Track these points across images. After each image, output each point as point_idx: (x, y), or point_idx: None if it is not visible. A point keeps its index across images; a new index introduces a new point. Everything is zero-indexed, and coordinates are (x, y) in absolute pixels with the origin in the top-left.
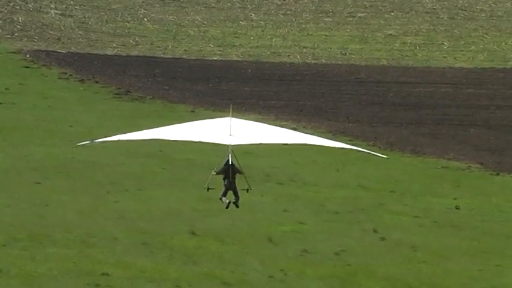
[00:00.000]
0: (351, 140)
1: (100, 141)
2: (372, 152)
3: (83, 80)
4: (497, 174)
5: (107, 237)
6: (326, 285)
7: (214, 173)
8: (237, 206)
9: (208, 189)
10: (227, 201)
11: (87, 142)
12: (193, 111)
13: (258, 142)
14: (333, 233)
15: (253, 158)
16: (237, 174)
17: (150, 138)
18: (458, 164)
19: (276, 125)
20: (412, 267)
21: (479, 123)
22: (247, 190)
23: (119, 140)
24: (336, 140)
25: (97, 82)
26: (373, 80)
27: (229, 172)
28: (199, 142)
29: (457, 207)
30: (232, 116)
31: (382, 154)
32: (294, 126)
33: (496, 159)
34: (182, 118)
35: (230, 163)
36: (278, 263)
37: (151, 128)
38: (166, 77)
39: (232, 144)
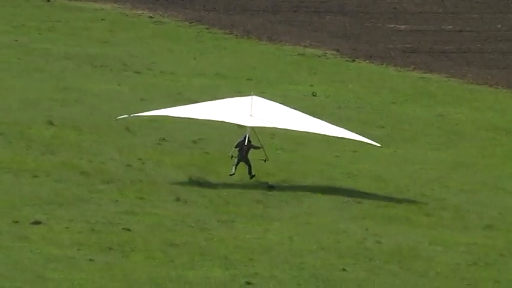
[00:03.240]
0: (207, 29)
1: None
2: (367, 141)
3: None
4: (353, 60)
5: None
6: (184, 173)
7: (235, 147)
8: (251, 175)
9: (232, 156)
10: (233, 171)
11: (124, 116)
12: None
13: (278, 126)
14: (191, 121)
15: (109, 46)
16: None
17: (176, 115)
18: (314, 51)
19: (132, 15)
20: (269, 154)
21: (335, 9)
22: (265, 160)
23: None
24: (192, 28)
25: None
26: None
27: (243, 149)
28: (222, 122)
29: (314, 94)
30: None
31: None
32: (151, 15)
33: (351, 46)
34: None
35: (246, 143)
36: (136, 152)
37: None
38: None
39: (251, 125)
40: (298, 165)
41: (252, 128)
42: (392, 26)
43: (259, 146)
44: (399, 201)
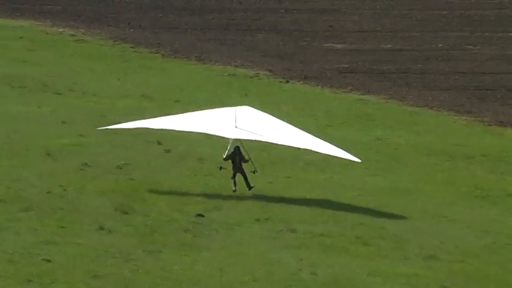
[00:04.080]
0: (132, 47)
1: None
2: (348, 157)
3: None
4: (287, 81)
5: None
6: (108, 201)
7: (224, 158)
8: (249, 187)
9: (221, 168)
10: (233, 188)
11: (105, 128)
12: None
13: (264, 139)
14: (115, 146)
15: (28, 66)
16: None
17: (158, 127)
18: (246, 71)
19: (52, 32)
20: (198, 180)
21: (268, 27)
22: (254, 172)
23: None
24: (116, 47)
25: None
26: None
27: (236, 160)
28: (206, 134)
29: None
30: None
31: (355, 159)
32: (72, 32)
33: (285, 66)
34: None
35: (233, 150)
36: (57, 178)
37: None
38: None
39: (235, 138)
40: (229, 191)
41: (239, 140)
42: (328, 45)
43: (247, 158)
44: (336, 229)
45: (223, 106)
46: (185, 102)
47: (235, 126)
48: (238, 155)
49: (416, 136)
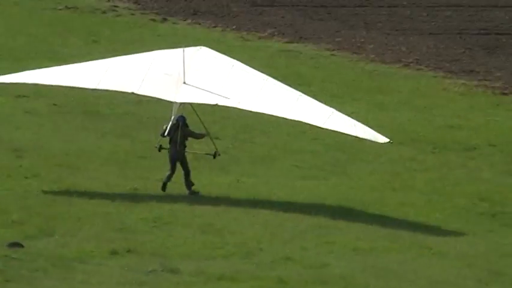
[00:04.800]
0: None
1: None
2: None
3: None
4: (164, 19)
5: None
6: None
7: (162, 135)
8: (190, 189)
9: (160, 148)
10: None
11: None
12: None
13: (220, 103)
14: None
15: None
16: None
17: (68, 85)
18: (95, 1)
19: None
20: (14, 185)
21: None
22: (214, 155)
23: None
24: None
25: None
26: None
27: (178, 134)
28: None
29: None
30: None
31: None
32: None
33: None
34: None
35: (175, 121)
36: None
37: None
38: None
39: (179, 102)
40: (67, 206)
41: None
42: None
43: (203, 132)
44: (246, 269)
45: (55, 60)
46: None
47: (184, 82)
48: (182, 128)
49: (382, 112)
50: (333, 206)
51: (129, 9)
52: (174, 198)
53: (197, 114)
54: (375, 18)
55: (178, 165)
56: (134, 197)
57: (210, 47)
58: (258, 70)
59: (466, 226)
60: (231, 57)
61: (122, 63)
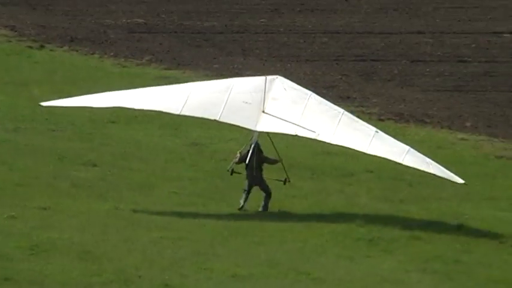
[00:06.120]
0: None
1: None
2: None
3: None
4: (41, 46)
5: None
6: None
7: (236, 160)
8: (265, 208)
9: (232, 172)
10: (241, 203)
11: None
12: None
13: (299, 133)
14: None
15: None
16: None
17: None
18: None
19: None
20: None
21: None
22: (285, 182)
23: None
24: None
25: None
26: None
27: (253, 160)
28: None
29: None
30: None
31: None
32: None
33: (37, 20)
34: None
35: (254, 145)
36: None
37: None
38: None
39: (259, 131)
40: None
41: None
42: None
43: (276, 158)
44: None
45: None
46: None
47: (263, 111)
48: (258, 155)
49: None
50: (212, 233)
51: (6, 36)
52: (52, 226)
53: (271, 141)
54: (252, 44)
55: None
56: (11, 225)
57: (88, 74)
58: None
59: (343, 251)
60: (110, 84)
61: (202, 89)
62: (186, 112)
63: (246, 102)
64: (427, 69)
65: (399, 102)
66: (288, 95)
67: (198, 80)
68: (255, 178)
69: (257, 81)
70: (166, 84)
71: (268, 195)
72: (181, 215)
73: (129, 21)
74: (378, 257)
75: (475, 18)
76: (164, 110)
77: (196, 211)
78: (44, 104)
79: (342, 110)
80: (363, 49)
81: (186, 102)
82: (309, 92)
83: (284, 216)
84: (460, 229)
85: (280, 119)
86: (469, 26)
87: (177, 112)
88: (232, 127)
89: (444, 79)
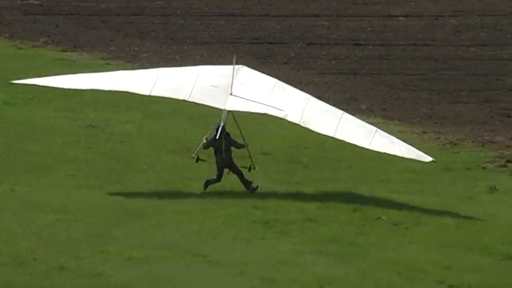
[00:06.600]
0: None
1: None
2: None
3: None
4: None
5: None
6: None
7: (202, 146)
8: (250, 187)
9: (197, 160)
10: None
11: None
12: None
13: (269, 112)
14: None
15: None
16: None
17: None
18: None
19: None
20: None
21: None
22: (250, 169)
23: None
24: None
25: None
26: None
27: (220, 147)
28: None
29: None
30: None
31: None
32: None
33: None
34: None
35: (221, 127)
36: None
37: None
38: None
39: (228, 109)
40: None
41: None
42: None
43: (243, 143)
44: None
45: None
46: None
47: (231, 93)
48: (226, 138)
49: (156, 121)
50: (108, 215)
51: None
52: None
53: (238, 125)
54: (149, 27)
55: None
56: None
57: None
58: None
59: (240, 234)
60: (5, 65)
61: (170, 73)
62: (156, 93)
63: (214, 86)
64: (323, 52)
65: (295, 84)
66: (255, 81)
67: (95, 62)
68: (224, 160)
69: (224, 69)
70: (62, 66)
71: (240, 174)
72: (77, 197)
73: (24, 2)
74: (274, 239)
75: (371, 2)
76: (134, 91)
77: (93, 193)
78: (14, 82)
79: (308, 95)
80: (259, 32)
81: (155, 84)
82: (276, 80)
83: (181, 198)
84: (355, 211)
85: (249, 100)
86: (364, 9)
87: (146, 93)
88: (128, 110)
89: (340, 62)
